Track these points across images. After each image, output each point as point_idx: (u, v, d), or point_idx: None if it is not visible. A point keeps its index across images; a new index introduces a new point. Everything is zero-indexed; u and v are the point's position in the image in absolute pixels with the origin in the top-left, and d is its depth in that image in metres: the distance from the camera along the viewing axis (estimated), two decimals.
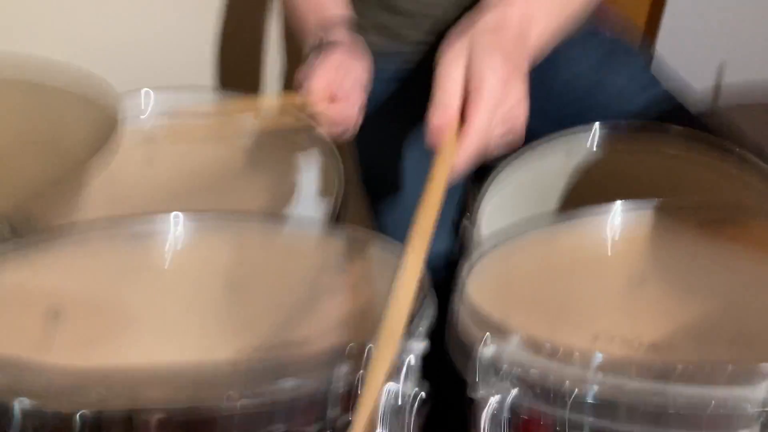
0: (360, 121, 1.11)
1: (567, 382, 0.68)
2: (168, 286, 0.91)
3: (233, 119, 1.06)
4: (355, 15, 1.22)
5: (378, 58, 1.15)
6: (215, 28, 1.73)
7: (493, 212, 1.07)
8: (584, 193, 1.13)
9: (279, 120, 1.08)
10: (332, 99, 1.06)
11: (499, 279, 0.90)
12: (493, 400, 0.70)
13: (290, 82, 1.85)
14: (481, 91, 0.79)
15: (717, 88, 1.82)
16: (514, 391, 0.71)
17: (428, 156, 1.21)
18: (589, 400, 0.67)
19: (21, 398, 0.62)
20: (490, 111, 0.79)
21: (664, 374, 0.65)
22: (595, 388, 0.67)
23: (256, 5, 1.76)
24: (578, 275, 0.93)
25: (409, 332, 0.73)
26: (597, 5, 1.07)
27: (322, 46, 1.11)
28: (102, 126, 0.90)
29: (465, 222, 1.04)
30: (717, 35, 1.82)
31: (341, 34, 1.13)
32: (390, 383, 0.71)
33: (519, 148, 1.17)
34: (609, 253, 0.96)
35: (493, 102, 0.80)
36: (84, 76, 0.97)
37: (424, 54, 1.33)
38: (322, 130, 1.08)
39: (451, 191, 1.18)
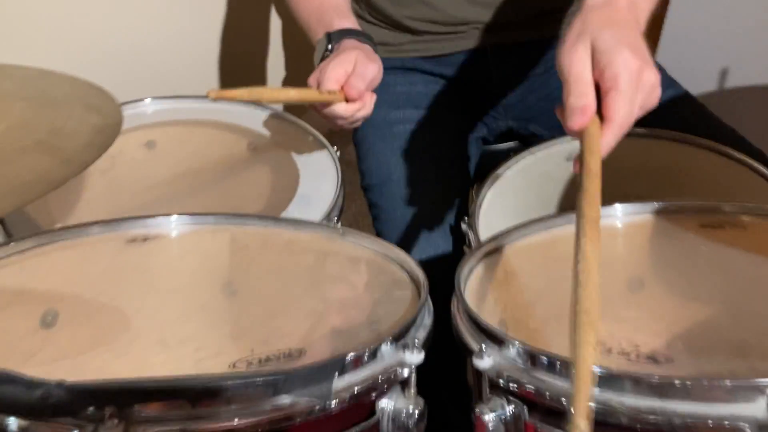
0: (369, 114, 1.12)
1: (564, 398, 0.67)
2: (165, 292, 0.91)
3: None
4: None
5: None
6: (217, 35, 1.73)
7: (492, 217, 1.07)
8: None
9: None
10: (347, 100, 1.07)
11: (497, 284, 0.90)
12: (490, 417, 0.70)
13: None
14: (617, 87, 0.79)
15: (720, 86, 1.81)
16: (510, 408, 0.71)
17: (428, 162, 1.22)
18: None
19: (15, 417, 0.62)
20: (629, 102, 0.79)
21: (662, 389, 0.65)
22: (593, 404, 0.66)
23: (258, 13, 1.76)
24: None
25: (405, 344, 0.73)
26: None
27: (336, 46, 1.13)
28: (102, 133, 0.89)
29: (464, 226, 1.04)
30: (718, 41, 1.81)
31: (350, 42, 1.14)
32: (386, 399, 0.71)
33: (521, 152, 1.18)
34: (608, 257, 0.95)
35: (632, 92, 0.79)
36: (84, 83, 0.97)
37: (427, 65, 1.33)
38: (338, 109, 1.09)
39: (450, 195, 1.19)
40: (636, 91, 0.80)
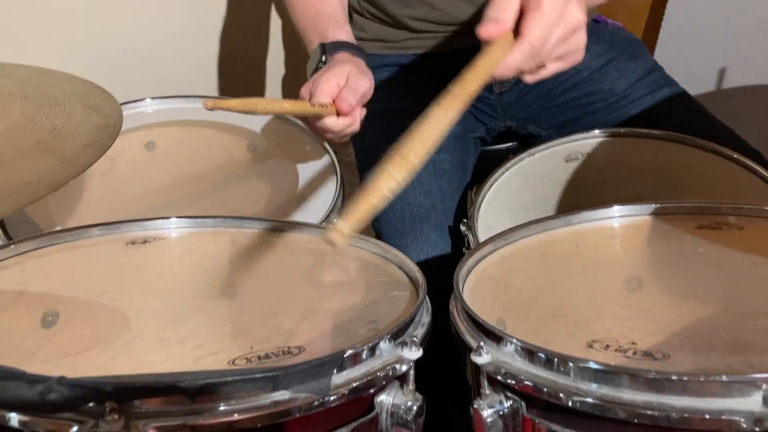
0: (358, 130, 1.12)
1: (561, 393, 0.68)
2: (164, 292, 0.91)
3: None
4: (357, 32, 1.23)
5: (379, 64, 1.16)
6: (216, 34, 1.73)
7: (491, 218, 1.07)
8: (582, 199, 1.13)
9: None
10: (337, 113, 1.08)
11: (495, 284, 0.90)
12: (488, 413, 0.70)
13: (291, 92, 1.86)
14: (540, 6, 0.77)
15: (718, 86, 1.81)
16: (508, 403, 0.71)
17: (426, 161, 1.22)
18: (583, 411, 0.67)
19: (15, 412, 0.63)
20: (547, 25, 0.77)
21: (658, 385, 0.65)
22: (590, 400, 0.66)
23: (258, 13, 1.76)
24: (575, 279, 0.93)
25: (403, 341, 0.74)
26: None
27: (329, 59, 1.13)
28: (102, 133, 0.90)
29: (463, 228, 1.05)
30: (716, 42, 1.82)
31: (343, 56, 1.14)
32: (384, 395, 0.71)
33: (520, 154, 1.18)
34: (606, 257, 0.96)
35: (552, 18, 0.78)
36: (84, 83, 0.97)
37: (425, 62, 1.34)
38: (329, 123, 1.09)
39: (449, 198, 1.19)
40: (558, 19, 0.78)
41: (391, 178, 0.68)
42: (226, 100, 1.00)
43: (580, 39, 0.81)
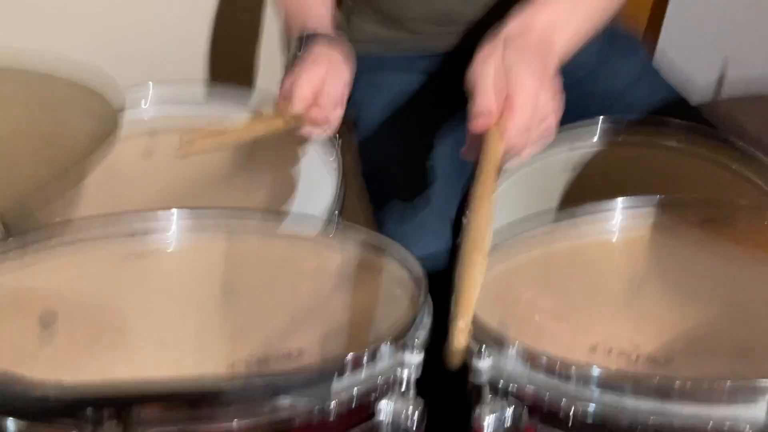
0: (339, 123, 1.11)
1: (564, 399, 0.67)
2: (164, 292, 0.91)
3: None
4: (352, 33, 1.22)
5: (377, 66, 1.15)
6: (212, 21, 1.72)
7: (494, 209, 1.06)
8: (586, 188, 1.13)
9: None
10: (317, 105, 1.07)
11: (498, 281, 0.89)
12: (490, 420, 0.69)
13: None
14: (514, 106, 0.88)
15: (719, 83, 1.80)
16: (510, 410, 0.70)
17: (427, 153, 1.22)
18: (586, 418, 0.66)
19: (13, 418, 0.62)
20: (524, 122, 0.89)
21: (662, 391, 0.65)
22: (593, 406, 0.66)
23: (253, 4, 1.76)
24: (578, 277, 0.93)
25: (404, 344, 0.73)
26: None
27: (306, 54, 1.11)
28: (102, 119, 0.89)
29: (465, 221, 1.04)
30: (720, 30, 1.80)
31: (321, 50, 1.12)
32: (385, 400, 0.71)
33: None
34: (609, 255, 0.95)
35: (527, 114, 0.89)
36: (84, 68, 0.96)
37: (424, 63, 1.32)
38: (304, 132, 1.09)
39: (451, 189, 1.19)
40: (533, 113, 0.89)
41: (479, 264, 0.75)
42: (197, 142, 1.02)
43: (552, 119, 0.92)
